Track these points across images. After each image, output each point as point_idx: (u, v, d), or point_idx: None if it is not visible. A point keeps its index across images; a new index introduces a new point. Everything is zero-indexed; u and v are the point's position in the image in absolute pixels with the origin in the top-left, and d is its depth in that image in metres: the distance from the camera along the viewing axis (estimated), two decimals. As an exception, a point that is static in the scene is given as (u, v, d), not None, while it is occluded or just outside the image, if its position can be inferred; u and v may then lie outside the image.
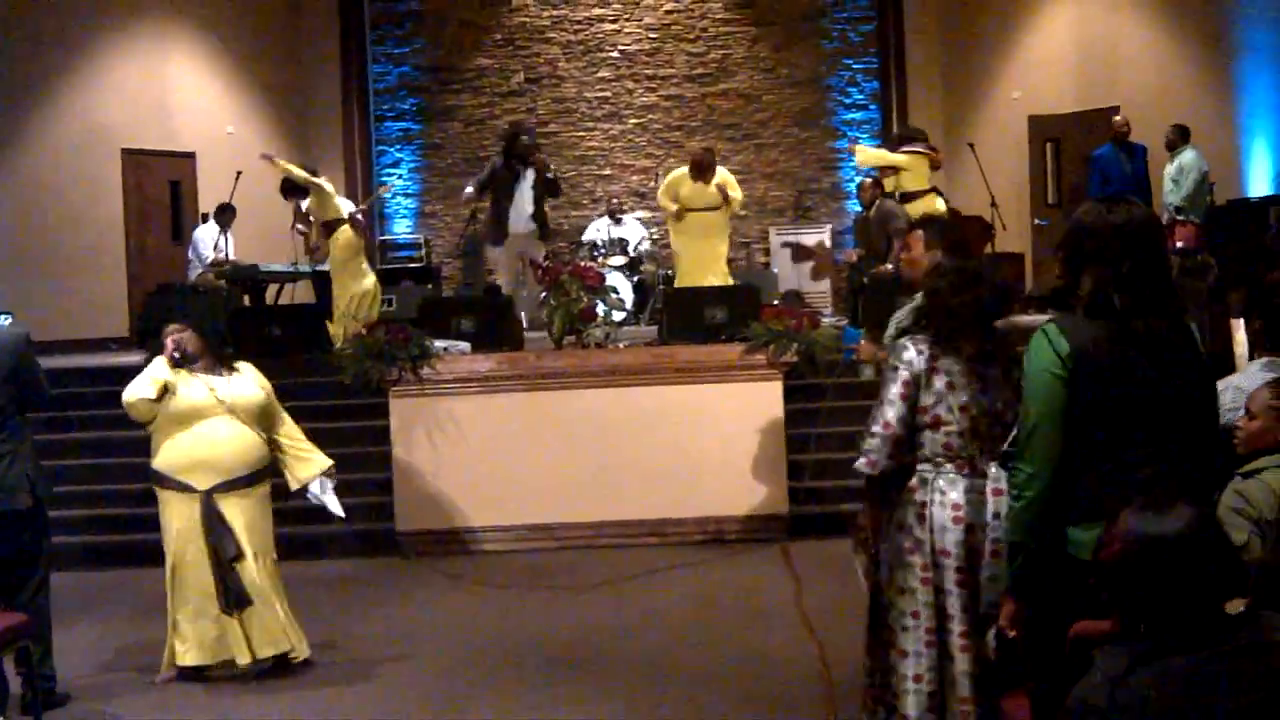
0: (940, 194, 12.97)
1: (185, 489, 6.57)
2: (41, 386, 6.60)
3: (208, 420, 6.58)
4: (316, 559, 9.63)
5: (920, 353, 4.47)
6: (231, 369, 6.79)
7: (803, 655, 6.80)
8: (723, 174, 13.00)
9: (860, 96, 18.57)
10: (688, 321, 10.51)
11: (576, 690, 6.51)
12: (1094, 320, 3.86)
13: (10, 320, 8.05)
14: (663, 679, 6.62)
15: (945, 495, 4.42)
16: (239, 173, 14.41)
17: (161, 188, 16.48)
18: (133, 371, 6.95)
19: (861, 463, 4.55)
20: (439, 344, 9.95)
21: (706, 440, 9.65)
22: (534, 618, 7.88)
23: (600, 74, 18.52)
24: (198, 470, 6.57)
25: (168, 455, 6.62)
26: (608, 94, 18.51)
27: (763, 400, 9.72)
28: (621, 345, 10.49)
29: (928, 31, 18.24)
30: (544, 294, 10.63)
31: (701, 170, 12.76)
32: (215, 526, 6.54)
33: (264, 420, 6.79)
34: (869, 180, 13.86)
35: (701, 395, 9.75)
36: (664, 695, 6.38)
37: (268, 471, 6.80)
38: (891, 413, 4.48)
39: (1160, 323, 3.84)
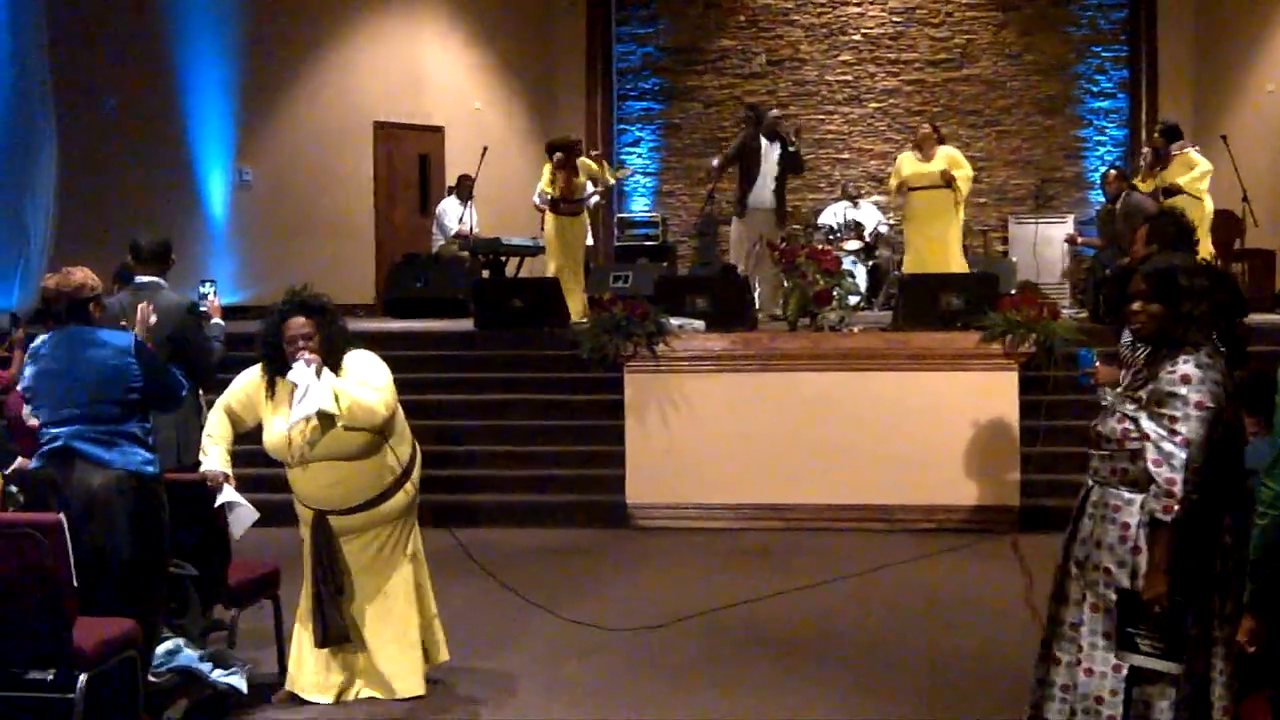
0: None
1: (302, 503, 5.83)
2: (200, 358, 6.59)
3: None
4: (545, 526, 9.89)
5: (1217, 384, 4.10)
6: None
7: (1033, 653, 6.69)
8: (947, 152, 12.82)
9: (1108, 85, 18.10)
10: (923, 308, 10.46)
11: (797, 673, 6.52)
12: None
13: (209, 289, 7.89)
14: (886, 668, 6.59)
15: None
16: (485, 147, 14.79)
17: (410, 161, 17.05)
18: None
19: (1159, 509, 4.10)
20: (674, 321, 10.11)
21: (938, 428, 9.62)
22: (756, 598, 7.89)
23: (842, 57, 18.42)
24: (301, 498, 5.78)
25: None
26: (849, 77, 18.40)
27: (997, 390, 9.63)
28: (855, 330, 10.49)
29: (1180, 20, 17.65)
30: (779, 274, 10.71)
31: (920, 140, 12.65)
32: (321, 552, 5.67)
33: (357, 439, 5.54)
34: (1114, 172, 13.54)
35: (934, 383, 9.71)
36: (887, 685, 6.33)
37: (386, 495, 5.70)
38: (1200, 454, 4.06)
39: None
